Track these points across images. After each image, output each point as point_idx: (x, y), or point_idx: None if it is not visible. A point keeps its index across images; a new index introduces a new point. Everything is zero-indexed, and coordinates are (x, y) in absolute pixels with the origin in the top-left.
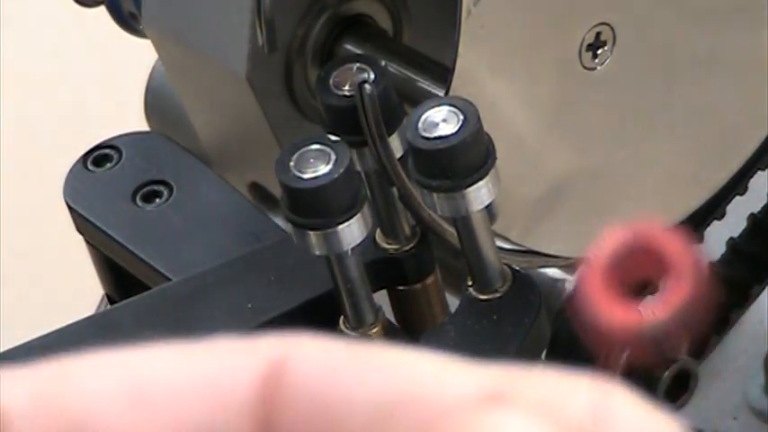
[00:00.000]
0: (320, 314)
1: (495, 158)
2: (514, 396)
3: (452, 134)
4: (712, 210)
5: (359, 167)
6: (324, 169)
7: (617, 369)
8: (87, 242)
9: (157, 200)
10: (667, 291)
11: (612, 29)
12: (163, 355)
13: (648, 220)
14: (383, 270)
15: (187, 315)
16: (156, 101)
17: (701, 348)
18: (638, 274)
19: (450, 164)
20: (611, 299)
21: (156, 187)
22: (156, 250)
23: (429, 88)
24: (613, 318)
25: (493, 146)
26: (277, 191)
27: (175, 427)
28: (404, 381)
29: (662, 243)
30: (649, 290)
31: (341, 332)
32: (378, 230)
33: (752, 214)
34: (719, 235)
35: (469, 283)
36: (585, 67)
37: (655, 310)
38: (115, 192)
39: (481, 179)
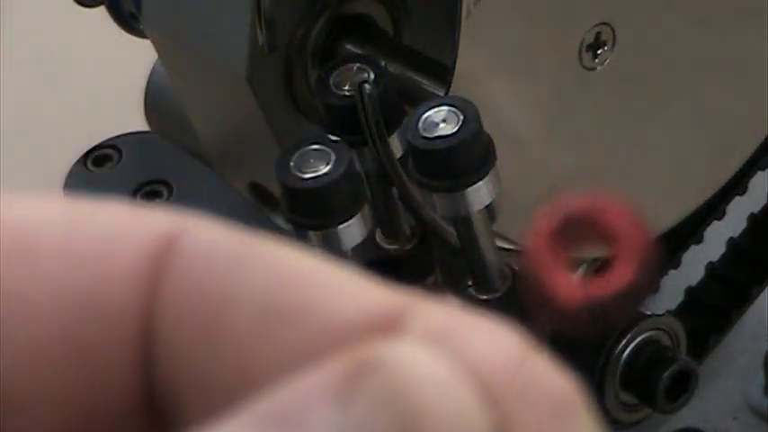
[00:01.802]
0: None
1: (495, 158)
2: (413, 323)
3: (452, 134)
4: (712, 210)
5: (359, 167)
6: (324, 169)
7: (547, 333)
8: None
9: (157, 200)
10: (613, 270)
11: (612, 29)
12: (52, 209)
13: (599, 194)
14: (383, 270)
15: None
16: (156, 101)
17: (701, 348)
18: (585, 244)
19: (451, 164)
20: (556, 269)
21: (156, 187)
22: None
23: (429, 88)
24: (556, 288)
25: (493, 146)
26: (277, 191)
27: (56, 291)
28: (299, 288)
29: (612, 219)
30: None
31: None
32: (378, 230)
33: (752, 214)
34: (719, 235)
35: (469, 283)
36: (585, 67)
37: (598, 287)
38: (115, 192)
39: (481, 179)
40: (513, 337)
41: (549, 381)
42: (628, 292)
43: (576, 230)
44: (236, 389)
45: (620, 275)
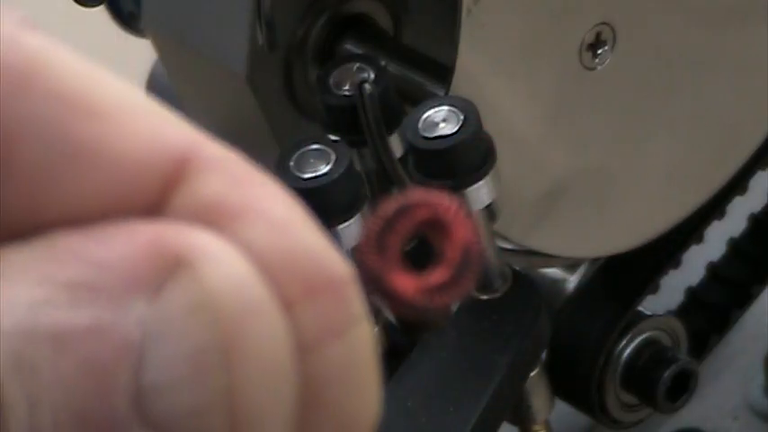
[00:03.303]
0: None
1: (495, 158)
2: (200, 174)
3: (452, 134)
4: (712, 210)
5: (359, 167)
6: (324, 169)
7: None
8: None
9: None
10: (443, 263)
11: (612, 29)
12: None
13: (434, 191)
14: None
15: None
16: (155, 100)
17: (701, 348)
18: (414, 236)
19: (451, 164)
20: (388, 265)
21: None
22: None
23: (429, 88)
24: (389, 285)
25: (493, 146)
26: None
27: None
28: (88, 120)
29: (443, 215)
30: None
31: None
32: None
33: (752, 214)
34: (719, 235)
35: None
36: (585, 67)
37: (430, 282)
38: None
39: (481, 179)
40: (293, 209)
41: (325, 261)
42: (448, 288)
43: (407, 225)
44: (24, 224)
45: (445, 272)
